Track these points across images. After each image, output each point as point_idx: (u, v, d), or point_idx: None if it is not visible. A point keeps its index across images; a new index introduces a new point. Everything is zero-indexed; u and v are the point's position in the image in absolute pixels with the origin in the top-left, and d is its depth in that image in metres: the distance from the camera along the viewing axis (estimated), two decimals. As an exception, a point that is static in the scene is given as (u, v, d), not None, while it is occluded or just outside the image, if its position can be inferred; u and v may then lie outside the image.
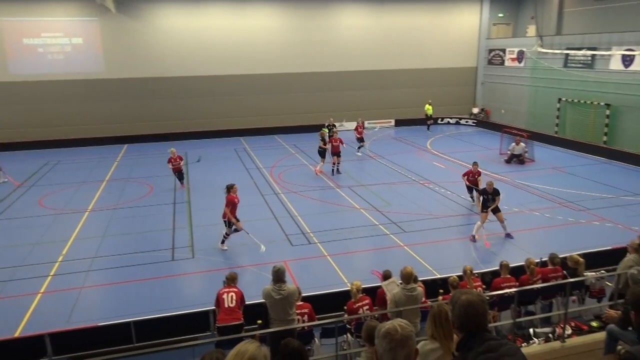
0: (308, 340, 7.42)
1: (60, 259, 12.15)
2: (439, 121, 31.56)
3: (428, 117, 29.55)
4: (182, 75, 27.30)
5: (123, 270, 11.54)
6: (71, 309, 9.74)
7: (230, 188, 12.35)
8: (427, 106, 29.40)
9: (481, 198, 13.09)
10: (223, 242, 12.58)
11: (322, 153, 19.74)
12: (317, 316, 7.79)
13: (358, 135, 23.12)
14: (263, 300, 7.21)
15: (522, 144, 21.29)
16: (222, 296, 7.62)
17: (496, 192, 12.79)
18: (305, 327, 7.38)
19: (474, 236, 12.82)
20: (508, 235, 13.00)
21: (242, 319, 7.61)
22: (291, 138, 27.42)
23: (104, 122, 26.73)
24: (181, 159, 18.38)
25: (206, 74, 27.62)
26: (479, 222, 12.92)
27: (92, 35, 25.95)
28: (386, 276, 8.18)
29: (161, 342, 7.93)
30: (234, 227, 12.39)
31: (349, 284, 9.60)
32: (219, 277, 9.24)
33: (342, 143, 19.81)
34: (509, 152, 21.47)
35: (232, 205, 12.24)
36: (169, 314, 8.71)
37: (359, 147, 23.13)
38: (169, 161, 17.78)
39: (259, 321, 7.65)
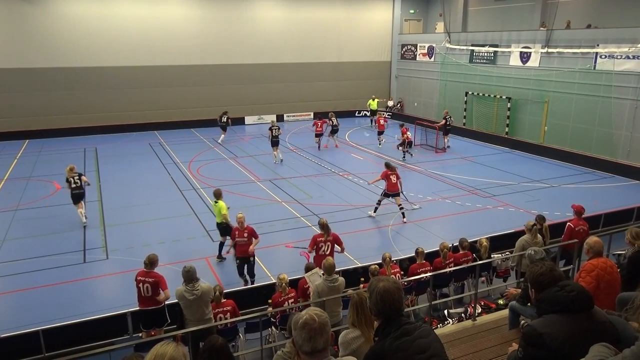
0: (232, 336, 7.36)
1: (-47, 267, 11.07)
2: (356, 114, 32.34)
3: (372, 113, 29.03)
4: (89, 66, 25.58)
5: (29, 276, 10.70)
6: (-32, 322, 8.91)
7: None
8: (370, 101, 29.23)
9: None
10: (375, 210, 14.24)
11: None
12: (241, 311, 7.74)
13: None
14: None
15: (409, 134, 21.38)
16: (138, 284, 7.66)
17: None
18: (229, 324, 7.32)
19: None
20: None
21: (163, 302, 7.73)
22: (209, 131, 26.75)
23: (0, 115, 24.52)
24: None
25: (116, 65, 26.10)
26: None
27: (-18, 20, 23.61)
28: (308, 267, 8.31)
29: (74, 349, 7.50)
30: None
31: (272, 278, 9.65)
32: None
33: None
34: (398, 139, 21.71)
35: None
36: (82, 320, 8.22)
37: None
38: (239, 235, 9.80)
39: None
